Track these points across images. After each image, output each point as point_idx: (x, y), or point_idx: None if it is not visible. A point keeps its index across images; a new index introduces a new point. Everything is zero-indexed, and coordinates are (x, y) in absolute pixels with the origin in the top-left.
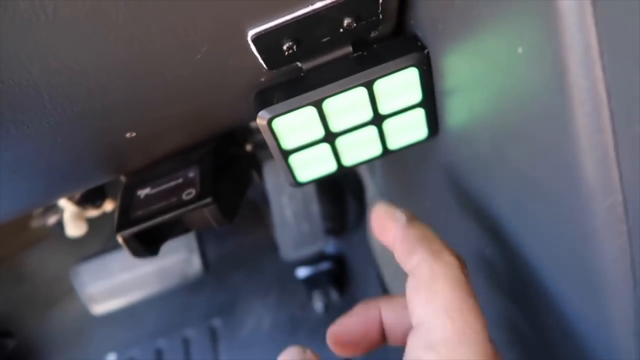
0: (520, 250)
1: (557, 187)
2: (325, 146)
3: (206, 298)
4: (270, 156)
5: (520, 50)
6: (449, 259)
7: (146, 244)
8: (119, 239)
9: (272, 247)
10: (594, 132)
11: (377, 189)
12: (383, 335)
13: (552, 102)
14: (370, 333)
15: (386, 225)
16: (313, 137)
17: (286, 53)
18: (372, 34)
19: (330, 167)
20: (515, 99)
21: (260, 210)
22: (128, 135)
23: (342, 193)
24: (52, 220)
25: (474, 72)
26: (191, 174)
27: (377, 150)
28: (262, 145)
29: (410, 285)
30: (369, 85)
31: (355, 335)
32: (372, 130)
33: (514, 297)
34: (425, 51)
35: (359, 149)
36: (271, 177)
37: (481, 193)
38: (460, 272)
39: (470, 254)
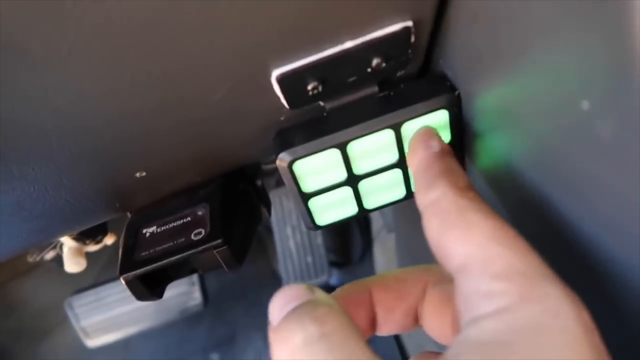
0: None
1: (620, 255)
2: (347, 189)
3: (205, 331)
4: (275, 185)
5: (585, 105)
6: (475, 195)
7: (151, 286)
8: (123, 282)
9: (274, 278)
10: None
11: (385, 223)
12: (373, 324)
13: (626, 158)
14: (358, 320)
15: (417, 148)
16: (335, 180)
17: (310, 93)
18: (399, 73)
19: (351, 210)
20: (571, 151)
21: (262, 240)
22: (138, 175)
23: (347, 226)
24: (49, 255)
25: (517, 117)
26: (200, 212)
27: (400, 193)
28: (268, 174)
29: (434, 224)
30: (396, 128)
31: None
32: (397, 173)
33: None
34: (456, 93)
35: (383, 192)
36: (275, 208)
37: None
38: (490, 206)
39: None
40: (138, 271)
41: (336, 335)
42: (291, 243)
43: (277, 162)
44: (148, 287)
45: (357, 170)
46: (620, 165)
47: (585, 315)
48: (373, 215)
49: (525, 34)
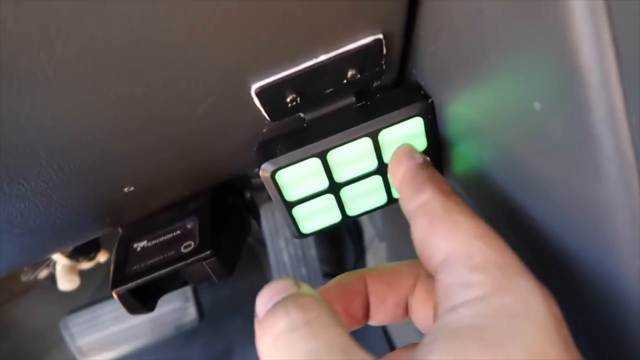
0: None
1: (579, 246)
2: (330, 197)
3: (200, 347)
4: (267, 199)
5: (537, 106)
6: (459, 199)
7: (143, 299)
8: (115, 296)
9: None
10: (624, 189)
11: (376, 233)
12: (366, 313)
13: (576, 157)
14: (353, 308)
15: (401, 160)
16: (317, 188)
17: (289, 105)
18: (375, 84)
19: (335, 217)
20: (530, 152)
21: (256, 253)
22: (126, 189)
23: (340, 237)
24: (43, 274)
25: (483, 122)
26: (189, 225)
27: (382, 199)
28: (259, 188)
29: (421, 225)
30: (373, 135)
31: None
32: (377, 179)
33: None
34: (430, 100)
35: (364, 198)
36: (268, 221)
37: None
38: (472, 209)
39: None
40: (129, 285)
41: (319, 322)
42: (285, 256)
43: (260, 172)
44: (140, 301)
45: (338, 178)
46: (569, 162)
47: (554, 307)
48: (365, 225)
49: (482, 43)
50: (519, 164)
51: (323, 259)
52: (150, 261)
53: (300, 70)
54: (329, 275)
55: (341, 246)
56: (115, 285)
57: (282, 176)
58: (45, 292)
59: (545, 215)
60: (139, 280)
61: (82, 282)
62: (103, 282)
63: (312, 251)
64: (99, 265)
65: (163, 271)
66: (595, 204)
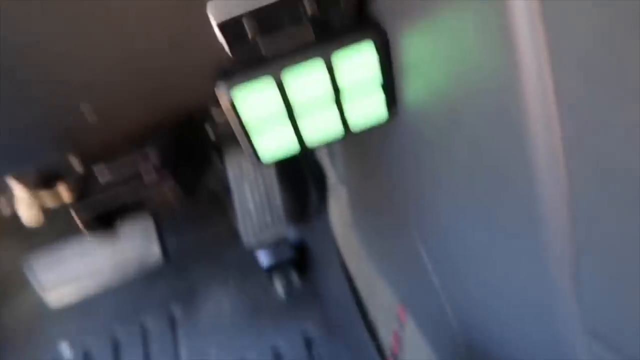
0: (472, 222)
1: (504, 152)
2: (288, 126)
3: (165, 285)
4: (232, 144)
5: (474, 31)
6: None
7: (104, 225)
8: (79, 222)
9: (234, 237)
10: (539, 101)
11: (338, 177)
12: None
13: (503, 78)
14: None
15: None
16: (274, 112)
17: (249, 39)
18: (334, 20)
19: (294, 147)
20: (469, 74)
21: (221, 201)
22: (83, 108)
23: (303, 181)
24: (6, 211)
25: (431, 51)
26: (151, 156)
27: (338, 131)
28: (225, 137)
29: None
30: (326, 57)
31: None
32: (334, 111)
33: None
34: (381, 28)
35: (322, 130)
36: (233, 167)
37: (438, 164)
38: None
39: (432, 228)
40: (93, 210)
41: None
42: (249, 201)
43: (217, 91)
44: (102, 226)
45: (295, 102)
46: (499, 75)
47: None
48: (327, 169)
49: None
50: (459, 90)
51: (287, 203)
52: (112, 186)
53: (261, 6)
54: (293, 220)
55: (305, 190)
56: (79, 211)
57: (240, 99)
58: (10, 239)
59: (480, 132)
60: (103, 207)
61: (46, 230)
62: (66, 227)
63: (277, 196)
64: (61, 212)
65: (124, 193)
66: (515, 113)
